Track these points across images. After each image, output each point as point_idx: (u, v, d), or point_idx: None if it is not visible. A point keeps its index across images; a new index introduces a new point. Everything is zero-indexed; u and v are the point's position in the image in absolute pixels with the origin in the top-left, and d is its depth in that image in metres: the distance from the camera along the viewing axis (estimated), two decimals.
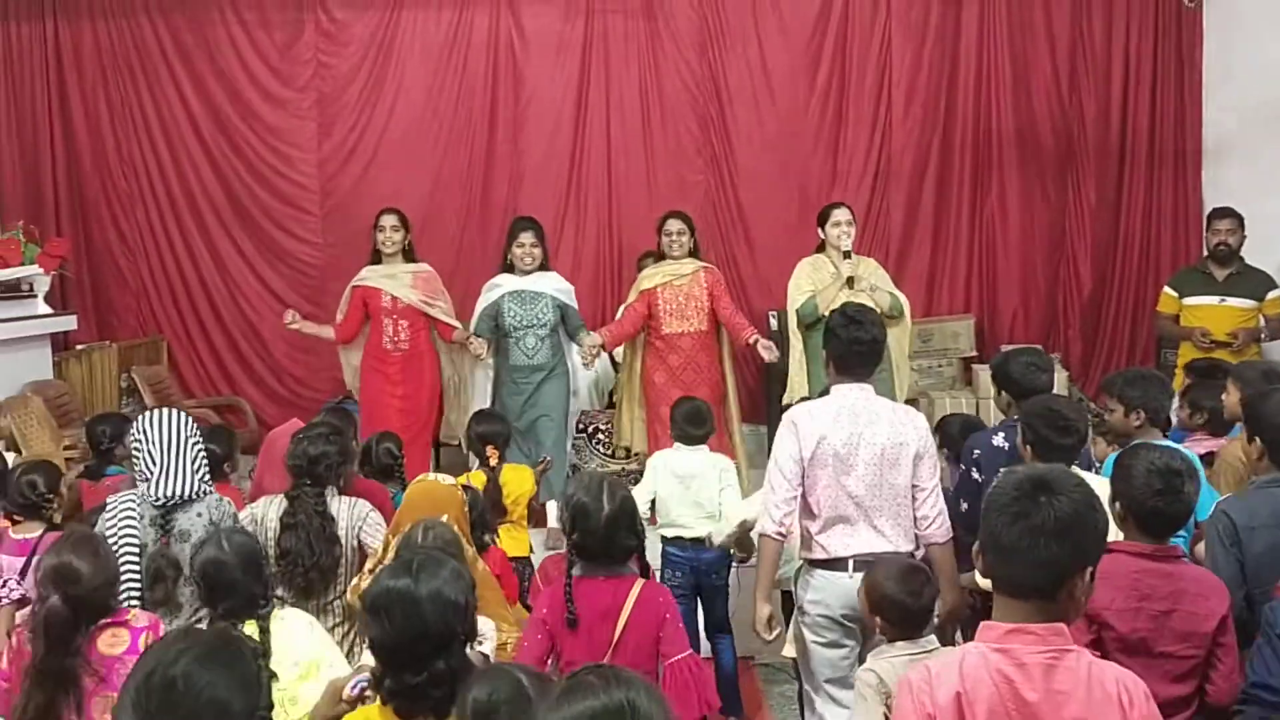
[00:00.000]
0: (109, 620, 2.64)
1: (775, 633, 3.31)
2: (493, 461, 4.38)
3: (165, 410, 3.32)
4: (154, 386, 6.82)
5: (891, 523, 3.22)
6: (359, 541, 3.43)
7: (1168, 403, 3.82)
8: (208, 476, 3.30)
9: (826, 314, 5.23)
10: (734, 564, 4.35)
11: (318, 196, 7.29)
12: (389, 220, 5.80)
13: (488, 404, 5.68)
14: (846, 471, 3.22)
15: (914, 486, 3.25)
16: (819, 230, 5.62)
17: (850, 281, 5.40)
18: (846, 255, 5.46)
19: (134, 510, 3.16)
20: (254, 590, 2.63)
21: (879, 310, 5.06)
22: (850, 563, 3.20)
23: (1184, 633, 2.51)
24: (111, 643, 2.63)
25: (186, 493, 3.18)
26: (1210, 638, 2.53)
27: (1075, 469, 2.85)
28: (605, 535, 2.82)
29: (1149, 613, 2.50)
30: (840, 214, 5.56)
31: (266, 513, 3.41)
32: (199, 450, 3.26)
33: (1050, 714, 1.82)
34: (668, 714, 1.55)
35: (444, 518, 3.09)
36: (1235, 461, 3.55)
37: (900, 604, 2.83)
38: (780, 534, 3.27)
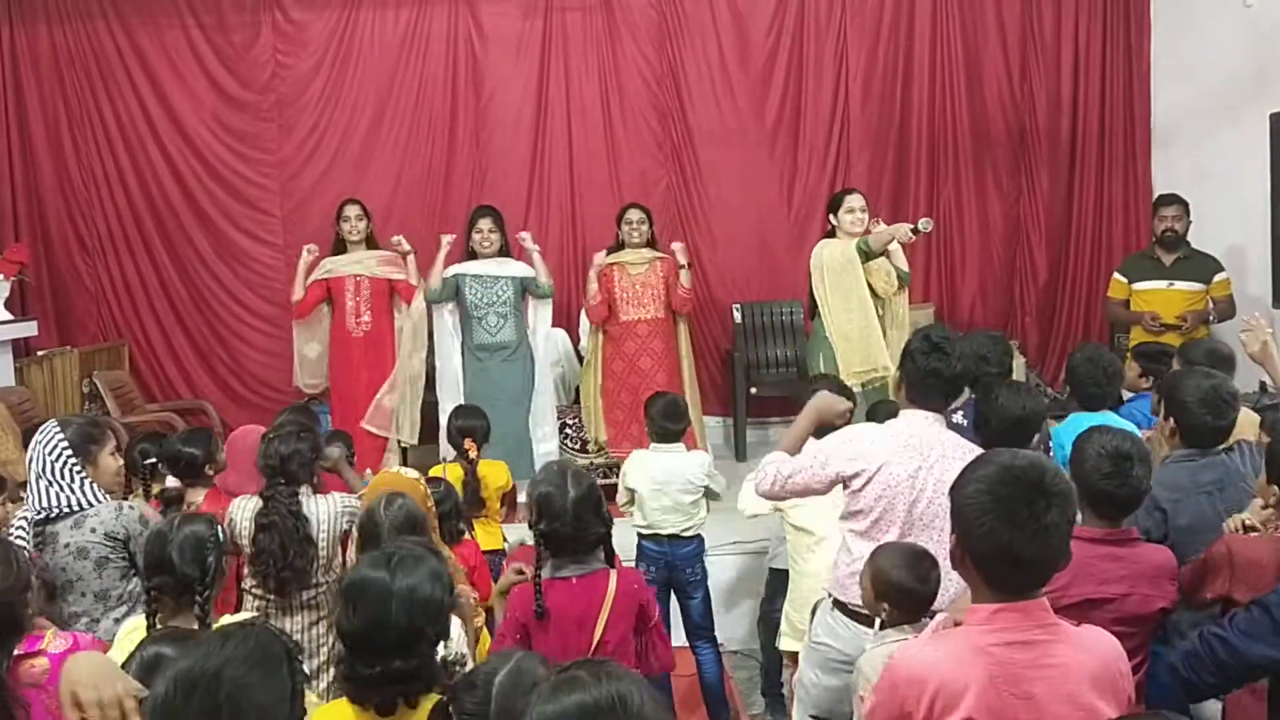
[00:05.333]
0: (22, 651, 2.37)
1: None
2: (471, 455, 4.42)
3: (45, 424, 3.30)
4: (116, 391, 6.79)
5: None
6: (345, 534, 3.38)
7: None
8: (84, 486, 3.22)
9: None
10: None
11: (279, 198, 7.26)
12: (353, 210, 5.99)
13: (459, 386, 5.82)
14: (906, 511, 2.87)
15: None
16: (830, 217, 5.67)
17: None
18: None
19: (26, 526, 3.15)
20: (188, 573, 2.60)
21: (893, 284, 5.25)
22: (879, 620, 2.77)
23: (1132, 616, 2.55)
24: (31, 673, 2.38)
25: (46, 507, 3.17)
26: (1149, 621, 2.58)
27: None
28: (574, 521, 2.70)
29: (1103, 596, 2.53)
30: (853, 200, 5.57)
31: (239, 514, 3.37)
32: (64, 464, 3.20)
33: (1044, 685, 1.84)
34: (660, 707, 1.53)
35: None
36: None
37: (909, 590, 2.67)
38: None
